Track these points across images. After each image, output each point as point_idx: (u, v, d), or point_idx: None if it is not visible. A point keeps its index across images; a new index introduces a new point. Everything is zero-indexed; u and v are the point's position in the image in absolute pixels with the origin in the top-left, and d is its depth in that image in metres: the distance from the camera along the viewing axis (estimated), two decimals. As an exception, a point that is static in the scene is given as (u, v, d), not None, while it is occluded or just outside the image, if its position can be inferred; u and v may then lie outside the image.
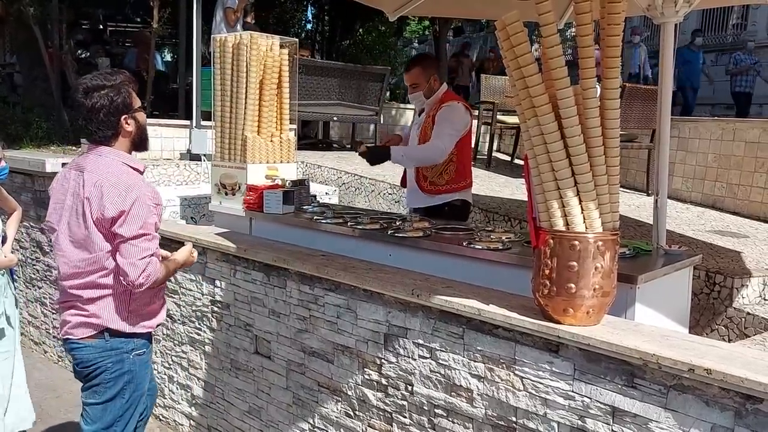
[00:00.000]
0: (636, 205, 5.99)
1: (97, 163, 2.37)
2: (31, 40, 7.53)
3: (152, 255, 2.37)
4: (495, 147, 7.71)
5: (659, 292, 2.50)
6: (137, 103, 2.46)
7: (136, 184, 2.36)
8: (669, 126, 2.84)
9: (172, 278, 3.33)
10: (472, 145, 7.75)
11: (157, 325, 2.62)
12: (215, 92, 3.99)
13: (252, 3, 7.75)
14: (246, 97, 3.80)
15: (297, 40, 4.10)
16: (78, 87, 2.40)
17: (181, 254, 2.66)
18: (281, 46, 3.99)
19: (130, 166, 2.43)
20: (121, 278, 2.34)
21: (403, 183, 4.08)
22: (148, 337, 2.56)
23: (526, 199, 2.37)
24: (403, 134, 4.29)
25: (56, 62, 7.17)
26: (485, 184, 6.30)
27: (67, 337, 2.45)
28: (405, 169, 4.00)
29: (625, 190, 6.54)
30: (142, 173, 2.48)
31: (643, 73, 11.69)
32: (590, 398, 2.07)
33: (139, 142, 2.51)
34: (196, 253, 2.79)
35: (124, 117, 2.40)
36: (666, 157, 2.87)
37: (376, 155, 3.80)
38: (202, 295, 3.64)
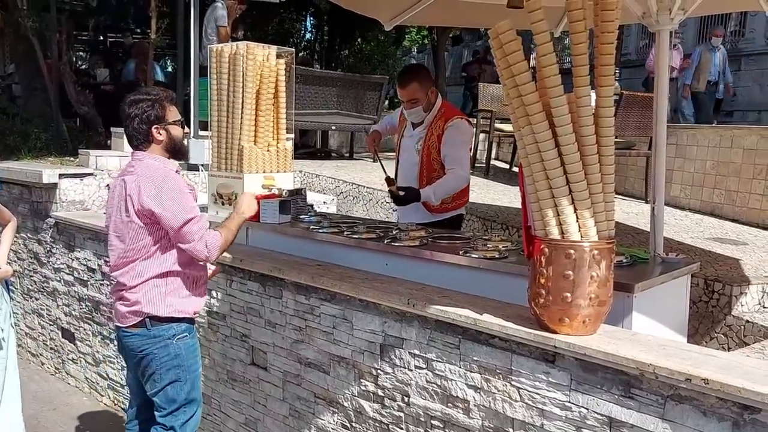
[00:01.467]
0: (635, 213, 5.98)
1: (136, 165, 2.72)
2: (30, 51, 7.54)
3: (205, 229, 2.65)
4: (493, 155, 7.70)
5: (657, 300, 2.48)
6: (171, 117, 2.76)
7: (168, 176, 2.66)
8: (665, 133, 2.84)
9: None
10: (471, 153, 7.79)
11: (194, 312, 2.82)
12: (212, 102, 3.98)
13: (239, 17, 7.76)
14: (242, 107, 3.79)
15: (293, 50, 4.10)
16: (127, 98, 2.76)
17: (243, 202, 2.87)
18: (278, 56, 3.99)
19: (163, 165, 2.73)
20: (195, 258, 2.69)
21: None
22: (189, 321, 2.80)
23: (523, 207, 2.36)
24: (381, 128, 4.18)
25: (54, 73, 7.18)
26: (483, 192, 6.29)
27: (118, 325, 2.78)
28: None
29: (623, 197, 6.53)
30: (174, 171, 2.76)
31: (723, 80, 10.29)
32: (587, 409, 2.05)
33: (174, 152, 2.80)
34: (253, 197, 2.96)
35: (155, 127, 2.71)
36: (663, 165, 2.86)
37: (407, 200, 3.65)
38: (199, 305, 3.61)
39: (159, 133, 2.73)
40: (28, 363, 5.38)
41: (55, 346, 5.11)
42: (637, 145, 6.40)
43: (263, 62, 3.86)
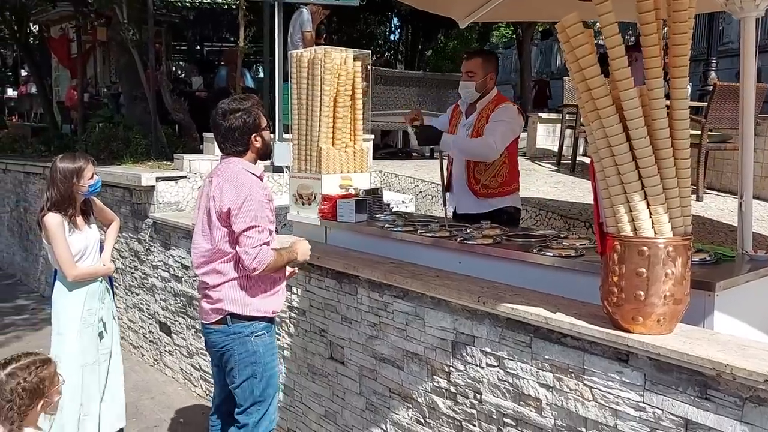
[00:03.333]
0: (730, 210, 5.65)
1: (223, 169, 2.85)
2: (131, 62, 8.05)
3: (264, 244, 2.74)
4: (580, 151, 7.50)
5: (742, 300, 2.37)
6: (264, 122, 2.90)
7: (249, 183, 2.77)
8: (753, 125, 2.69)
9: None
10: (556, 150, 7.62)
11: (273, 312, 2.93)
12: (292, 106, 4.13)
13: (323, 21, 7.93)
14: (320, 110, 3.90)
15: (370, 52, 4.17)
16: (217, 110, 2.85)
17: (299, 247, 2.98)
18: (355, 59, 4.08)
19: (250, 172, 2.86)
20: (240, 264, 2.76)
21: (448, 187, 3.97)
22: (267, 320, 2.90)
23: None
24: (438, 124, 4.17)
25: (153, 83, 7.63)
26: (568, 189, 6.14)
27: (203, 321, 2.92)
28: (452, 172, 3.93)
29: (719, 193, 6.18)
30: (259, 178, 2.89)
31: None
32: (662, 410, 1.99)
33: (264, 155, 2.97)
34: (309, 248, 3.04)
35: (253, 135, 2.85)
36: (750, 158, 2.72)
37: (427, 136, 3.73)
38: (281, 301, 3.76)
39: (256, 140, 2.86)
40: (130, 354, 5.75)
41: (154, 338, 5.44)
42: (733, 138, 6.05)
43: (340, 66, 3.95)
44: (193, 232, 2.93)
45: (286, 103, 5.74)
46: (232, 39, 15.08)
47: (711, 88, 5.90)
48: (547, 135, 8.33)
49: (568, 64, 2.06)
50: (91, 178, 3.47)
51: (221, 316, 2.83)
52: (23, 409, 2.15)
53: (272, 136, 6.19)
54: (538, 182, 6.25)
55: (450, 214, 3.94)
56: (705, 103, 5.86)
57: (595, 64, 1.98)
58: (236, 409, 2.93)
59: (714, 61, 7.53)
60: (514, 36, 17.66)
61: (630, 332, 2.05)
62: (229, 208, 2.71)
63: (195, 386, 4.87)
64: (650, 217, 1.99)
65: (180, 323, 4.99)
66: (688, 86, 6.98)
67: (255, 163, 2.92)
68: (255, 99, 2.93)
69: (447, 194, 3.96)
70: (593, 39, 2.23)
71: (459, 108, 3.95)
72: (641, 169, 1.98)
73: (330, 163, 3.94)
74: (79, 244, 3.44)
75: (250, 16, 7.32)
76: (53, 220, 3.35)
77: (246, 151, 2.87)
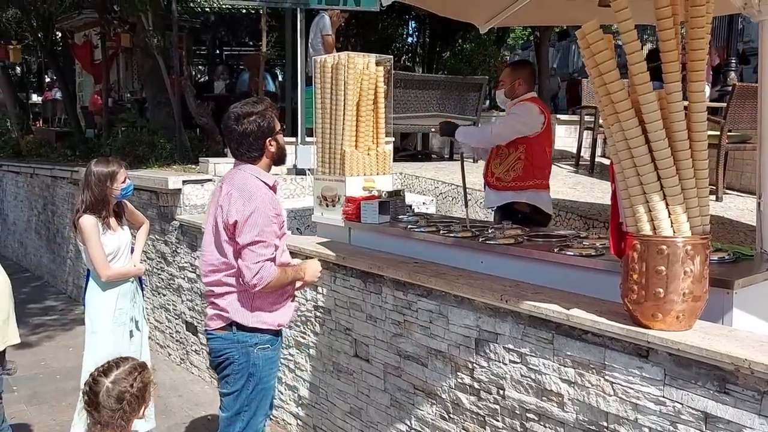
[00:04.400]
0: (749, 210, 5.64)
1: (234, 176, 2.75)
2: (155, 68, 8.22)
3: (267, 260, 2.65)
4: (599, 152, 7.52)
5: (760, 297, 2.41)
6: (278, 126, 2.81)
7: (258, 195, 2.66)
8: (771, 125, 2.74)
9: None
10: (575, 151, 7.65)
11: (279, 325, 2.85)
12: (316, 110, 4.22)
13: (342, 26, 8.03)
14: (344, 114, 4.00)
15: (392, 57, 4.26)
16: (230, 115, 2.74)
17: (309, 268, 2.91)
18: (377, 64, 4.17)
19: (262, 181, 2.75)
20: (240, 279, 2.68)
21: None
22: (273, 333, 2.81)
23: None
24: None
25: (176, 87, 7.78)
26: (587, 190, 6.17)
27: (206, 328, 2.84)
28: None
29: (739, 193, 6.18)
30: (272, 188, 2.78)
31: None
32: (681, 404, 2.05)
33: (278, 160, 2.87)
34: (319, 270, 2.99)
35: (268, 140, 2.75)
36: (769, 158, 2.76)
37: (446, 129, 4.10)
38: (306, 300, 3.86)
39: (271, 144, 2.76)
40: (157, 353, 5.88)
41: (180, 338, 5.57)
42: (752, 139, 6.05)
43: (363, 70, 4.05)
44: (202, 239, 2.87)
45: (309, 107, 5.85)
46: (251, 43, 15.26)
47: (730, 88, 5.90)
48: (566, 136, 8.36)
49: (588, 69, 2.13)
50: (124, 181, 3.60)
51: (226, 323, 2.75)
52: (130, 415, 2.14)
53: (285, 139, 6.29)
54: (558, 183, 6.29)
55: (473, 215, 4.08)
56: (724, 104, 5.87)
57: (615, 69, 2.05)
58: (221, 413, 2.84)
59: (734, 61, 7.51)
60: (531, 38, 17.66)
61: (650, 329, 2.11)
62: (236, 221, 2.61)
63: (221, 384, 4.98)
64: (669, 216, 2.05)
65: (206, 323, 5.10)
66: (707, 87, 6.96)
67: (269, 170, 2.83)
68: (268, 102, 2.84)
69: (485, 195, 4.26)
70: (612, 44, 2.30)
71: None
72: (660, 170, 2.04)
73: (353, 165, 4.03)
74: (112, 245, 3.56)
75: (272, 22, 7.44)
76: (88, 221, 3.48)
77: (261, 156, 2.76)
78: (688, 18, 2.02)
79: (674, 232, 2.05)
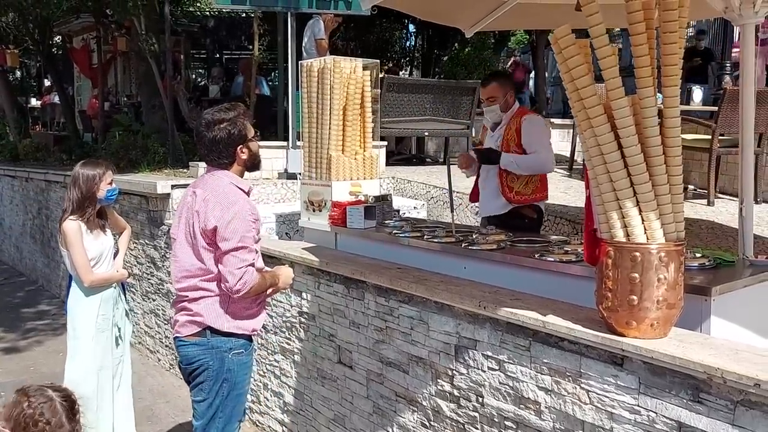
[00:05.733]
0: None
1: (209, 182, 2.72)
2: (149, 72, 8.22)
3: (249, 265, 2.64)
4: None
5: (740, 305, 2.39)
6: (251, 133, 2.77)
7: (237, 201, 2.65)
8: (753, 130, 2.71)
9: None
10: (569, 156, 7.63)
11: (253, 330, 2.83)
12: (303, 114, 4.22)
13: (336, 29, 8.02)
14: (330, 118, 3.99)
15: (378, 61, 4.25)
16: (201, 120, 2.72)
17: (282, 273, 2.91)
18: (364, 68, 4.16)
19: (237, 187, 2.72)
20: (222, 284, 2.65)
21: (473, 198, 4.15)
22: (247, 338, 2.79)
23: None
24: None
25: (169, 91, 7.77)
26: (578, 195, 6.12)
27: (176, 335, 2.77)
28: (476, 182, 4.06)
29: (731, 197, 6.13)
30: (246, 193, 2.75)
31: None
32: (656, 413, 2.03)
33: (251, 166, 2.82)
34: (291, 277, 2.99)
35: (239, 147, 2.71)
36: (750, 163, 2.74)
37: (488, 157, 3.91)
38: (291, 306, 3.84)
39: (242, 152, 2.72)
40: (147, 359, 5.87)
41: (170, 343, 5.54)
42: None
43: (350, 75, 4.04)
44: (173, 244, 2.80)
45: (300, 111, 5.85)
46: (250, 47, 15.27)
47: (722, 92, 5.88)
48: (560, 140, 8.35)
49: (562, 74, 2.11)
50: (110, 184, 3.59)
51: (200, 329, 2.69)
52: None
53: (277, 143, 6.26)
54: (550, 187, 6.25)
55: (464, 220, 4.03)
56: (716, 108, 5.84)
57: (587, 74, 2.03)
58: (195, 420, 2.80)
59: (728, 64, 7.49)
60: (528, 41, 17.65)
61: (624, 336, 2.08)
62: (216, 227, 2.58)
63: (209, 390, 4.96)
64: (642, 223, 2.03)
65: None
66: (700, 90, 6.92)
67: (242, 176, 2.80)
68: (242, 108, 2.79)
69: (480, 200, 4.11)
70: (588, 50, 2.29)
71: (485, 124, 4.18)
72: (633, 176, 2.02)
73: (340, 170, 4.02)
74: (94, 250, 3.54)
75: (264, 26, 7.44)
76: (71, 226, 3.46)
77: (232, 163, 2.72)
78: (661, 22, 2.00)
79: (648, 238, 2.03)
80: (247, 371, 2.83)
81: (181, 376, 2.91)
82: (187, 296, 2.72)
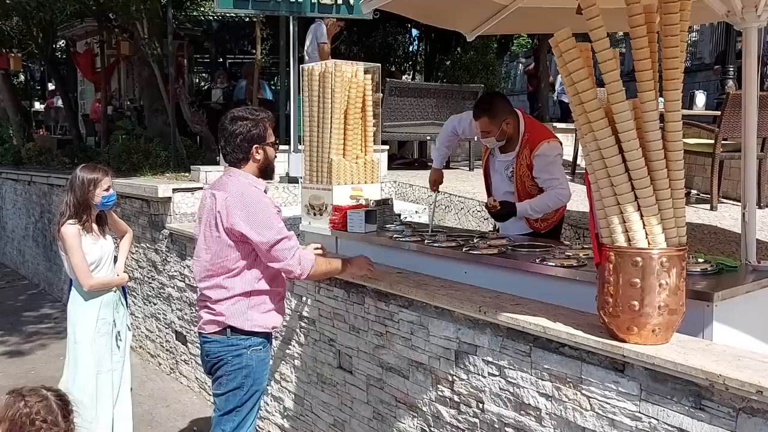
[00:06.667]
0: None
1: (227, 182, 2.83)
2: (152, 76, 8.24)
3: (297, 248, 2.79)
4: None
5: (743, 311, 2.37)
6: (271, 138, 2.91)
7: (258, 199, 2.78)
8: (755, 134, 2.70)
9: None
10: (571, 160, 7.60)
11: (273, 327, 2.95)
12: (304, 118, 4.20)
13: (338, 33, 8.03)
14: (331, 122, 3.97)
15: (380, 65, 4.23)
16: (227, 115, 2.89)
17: (356, 265, 3.04)
18: (365, 72, 4.14)
19: (254, 186, 2.85)
20: (286, 277, 2.88)
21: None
22: (265, 336, 2.91)
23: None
24: (441, 156, 4.23)
25: (171, 95, 7.79)
26: (581, 199, 6.05)
27: (200, 331, 2.92)
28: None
29: (734, 202, 6.10)
30: (263, 191, 2.89)
31: None
32: (657, 419, 2.00)
33: (266, 171, 2.94)
34: (366, 264, 3.08)
35: (255, 146, 2.84)
36: (753, 168, 2.72)
37: (504, 215, 3.73)
38: (291, 311, 3.82)
39: (258, 152, 2.84)
40: (148, 363, 5.86)
41: (170, 347, 5.54)
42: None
43: (351, 78, 4.02)
44: (195, 245, 2.93)
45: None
46: (253, 51, 15.29)
47: (725, 96, 5.86)
48: (564, 144, 8.30)
49: (562, 77, 2.10)
50: (107, 189, 3.57)
51: (220, 328, 2.82)
52: None
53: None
54: (552, 192, 6.24)
55: (466, 224, 3.99)
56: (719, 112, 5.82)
57: (588, 78, 2.02)
58: (214, 414, 2.94)
59: (731, 69, 7.46)
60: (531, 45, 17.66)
61: (626, 342, 2.06)
62: (244, 227, 2.69)
63: (209, 395, 4.93)
64: (644, 227, 2.02)
65: (195, 332, 5.06)
66: (702, 95, 6.89)
67: (258, 177, 2.89)
68: (268, 114, 2.93)
69: (500, 224, 3.93)
70: (589, 53, 2.27)
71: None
72: (634, 180, 2.01)
73: (341, 174, 4.00)
74: (94, 255, 3.54)
75: (267, 30, 7.45)
76: (70, 230, 3.46)
77: (246, 160, 2.84)
78: (662, 26, 1.98)
79: (649, 243, 2.02)
80: (265, 367, 2.94)
81: (203, 370, 3.07)
82: (210, 296, 2.82)
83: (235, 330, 2.81)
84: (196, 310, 3.33)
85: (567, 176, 7.22)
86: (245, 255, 2.78)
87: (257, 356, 2.86)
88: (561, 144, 3.78)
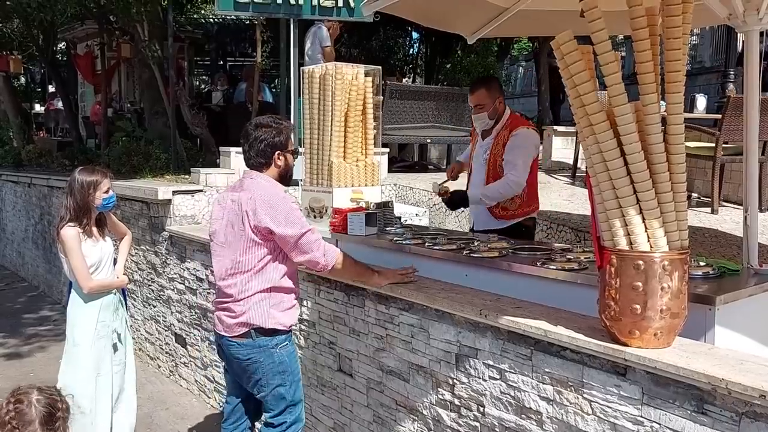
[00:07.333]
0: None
1: (249, 184, 2.92)
2: (152, 78, 8.23)
3: (321, 240, 2.87)
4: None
5: (745, 314, 2.36)
6: (291, 146, 3.02)
7: (282, 197, 2.87)
8: (757, 138, 2.69)
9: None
10: (571, 162, 7.60)
11: (290, 326, 3.00)
12: (304, 121, 4.20)
13: (339, 36, 8.02)
14: (332, 125, 3.97)
15: (380, 67, 4.23)
16: (252, 121, 3.03)
17: (388, 276, 3.02)
18: (366, 74, 4.14)
19: (275, 186, 2.94)
20: (313, 270, 2.95)
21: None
22: (286, 333, 2.98)
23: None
24: (464, 158, 4.32)
25: (172, 97, 7.78)
26: (581, 202, 6.09)
27: (223, 334, 2.95)
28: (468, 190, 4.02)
29: (735, 206, 6.09)
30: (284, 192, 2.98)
31: None
32: (659, 424, 1.99)
33: (284, 177, 3.02)
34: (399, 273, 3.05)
35: (277, 152, 2.94)
36: (755, 171, 2.71)
37: (455, 203, 3.88)
38: (291, 314, 3.81)
39: (279, 158, 2.94)
40: (147, 365, 5.84)
41: (170, 350, 5.52)
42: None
43: (351, 81, 4.02)
44: (214, 244, 2.96)
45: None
46: (253, 54, 15.29)
47: (726, 99, 5.85)
48: (563, 147, 8.30)
49: (564, 80, 2.09)
50: (107, 192, 3.56)
51: (246, 330, 2.87)
52: None
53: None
54: (552, 195, 6.24)
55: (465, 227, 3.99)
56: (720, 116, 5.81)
57: (589, 81, 2.01)
58: (267, 414, 3.00)
59: (732, 72, 7.46)
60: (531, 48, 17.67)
61: (628, 346, 2.05)
62: (273, 225, 2.77)
63: (209, 398, 4.93)
64: (646, 231, 2.01)
65: (195, 335, 5.06)
66: (703, 98, 6.88)
67: (277, 182, 2.99)
68: (290, 124, 3.07)
69: (472, 216, 4.08)
70: (590, 56, 2.27)
71: (476, 131, 4.06)
72: (636, 183, 2.00)
73: (341, 176, 4.00)
74: (94, 257, 3.52)
75: (267, 33, 7.44)
76: (70, 232, 3.45)
77: (268, 165, 2.94)
78: (665, 29, 1.98)
79: (651, 247, 2.01)
80: (296, 359, 3.04)
81: (222, 370, 3.19)
82: (232, 295, 2.87)
83: (259, 331, 2.87)
84: (212, 312, 3.33)
85: (566, 179, 7.26)
86: (270, 251, 2.84)
87: (287, 351, 2.95)
88: (540, 142, 3.83)
